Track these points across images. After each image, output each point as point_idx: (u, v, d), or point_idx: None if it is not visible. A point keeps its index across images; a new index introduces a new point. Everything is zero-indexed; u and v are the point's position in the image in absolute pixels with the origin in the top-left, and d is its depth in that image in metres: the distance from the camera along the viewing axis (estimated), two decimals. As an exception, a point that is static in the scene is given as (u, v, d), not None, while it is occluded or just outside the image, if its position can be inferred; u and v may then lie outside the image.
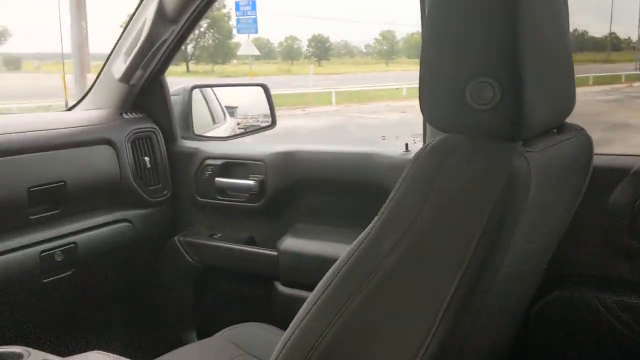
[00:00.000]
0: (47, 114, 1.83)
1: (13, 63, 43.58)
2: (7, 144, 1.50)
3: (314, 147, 1.74)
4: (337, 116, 16.40)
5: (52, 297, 1.63)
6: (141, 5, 1.71)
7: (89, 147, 1.70)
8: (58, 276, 1.60)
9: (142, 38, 1.69)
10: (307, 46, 66.37)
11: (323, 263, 1.49)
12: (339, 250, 1.44)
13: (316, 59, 62.08)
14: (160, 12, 1.66)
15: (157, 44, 1.72)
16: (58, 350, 1.94)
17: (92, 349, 1.95)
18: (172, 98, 1.98)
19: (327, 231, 1.67)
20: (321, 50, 65.23)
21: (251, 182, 1.74)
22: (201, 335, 1.92)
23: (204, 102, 2.42)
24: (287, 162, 1.73)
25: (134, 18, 1.74)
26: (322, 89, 21.70)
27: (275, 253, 1.69)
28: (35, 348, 1.83)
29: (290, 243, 1.69)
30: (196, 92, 2.16)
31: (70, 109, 1.97)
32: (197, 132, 2.06)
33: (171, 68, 1.94)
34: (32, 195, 1.52)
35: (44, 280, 1.57)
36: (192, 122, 2.04)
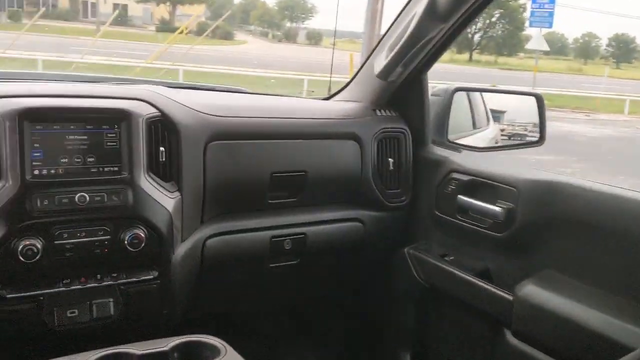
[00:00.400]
0: (305, 101, 1.85)
1: (314, 38, 48.24)
2: (262, 128, 1.54)
3: (583, 182, 1.42)
4: (627, 127, 14.42)
5: (275, 282, 1.66)
6: (412, 1, 1.58)
7: (336, 140, 1.66)
8: (284, 263, 1.62)
9: (407, 34, 1.57)
10: (607, 45, 59.79)
11: (568, 325, 1.20)
12: (591, 316, 1.13)
13: (614, 60, 55.58)
14: (430, 9, 1.51)
15: (422, 41, 1.59)
16: (265, 334, 2.02)
17: (302, 341, 1.98)
18: (431, 99, 1.84)
19: (579, 288, 1.36)
20: (623, 51, 58.10)
21: (497, 209, 1.51)
22: (414, 358, 1.78)
23: (466, 103, 2.22)
24: (547, 193, 1.45)
25: (402, 13, 1.62)
26: (614, 95, 19.29)
27: (511, 297, 1.44)
28: (245, 329, 1.91)
29: (532, 291, 1.42)
30: (460, 94, 1.97)
31: (328, 98, 1.97)
32: (451, 137, 1.89)
33: (452, 56, 1.78)
34: (274, 180, 1.54)
35: (271, 265, 1.60)
36: (447, 127, 1.87)
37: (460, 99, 2.04)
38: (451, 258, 1.68)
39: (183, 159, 1.38)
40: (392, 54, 1.63)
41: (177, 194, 1.37)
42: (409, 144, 1.77)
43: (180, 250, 1.39)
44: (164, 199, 1.33)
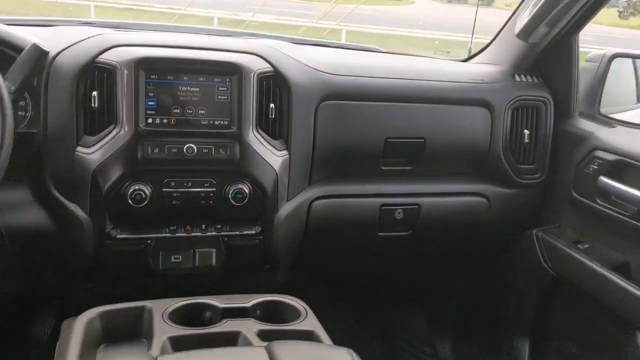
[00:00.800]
0: (439, 63, 1.71)
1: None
2: (379, 89, 1.45)
3: None
4: None
5: (384, 251, 1.59)
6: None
7: (463, 106, 1.52)
8: (394, 233, 1.54)
9: (554, -12, 1.37)
10: None
11: None
12: None
13: None
14: None
15: None
16: (367, 302, 1.97)
17: (406, 314, 1.90)
18: (582, 65, 1.61)
19: None
20: None
21: None
22: (532, 350, 1.63)
23: (631, 72, 1.92)
24: None
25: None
26: None
27: None
28: (345, 295, 1.88)
29: None
30: (620, 61, 1.71)
31: (466, 60, 1.81)
32: (603, 111, 1.65)
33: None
34: (388, 146, 1.46)
35: (380, 233, 1.53)
36: (600, 98, 1.63)
37: (619, 67, 1.76)
38: (585, 246, 1.48)
39: (293, 117, 1.35)
40: (535, 9, 1.44)
41: (285, 152, 1.35)
42: (550, 115, 1.58)
43: (285, 209, 1.38)
44: (271, 156, 1.32)
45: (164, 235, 1.30)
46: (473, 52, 1.87)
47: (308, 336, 0.96)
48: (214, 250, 1.34)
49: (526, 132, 1.55)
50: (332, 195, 1.46)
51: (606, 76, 1.63)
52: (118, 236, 1.27)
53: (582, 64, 1.61)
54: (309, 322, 1.01)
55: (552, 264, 1.53)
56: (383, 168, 1.48)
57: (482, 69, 1.62)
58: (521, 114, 1.55)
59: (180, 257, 1.32)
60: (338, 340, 0.97)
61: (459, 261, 1.76)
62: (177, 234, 1.31)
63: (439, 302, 1.92)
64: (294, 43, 1.58)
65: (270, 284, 1.44)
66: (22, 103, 1.23)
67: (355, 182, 1.48)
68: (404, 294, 1.97)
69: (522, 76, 1.59)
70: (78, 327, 0.94)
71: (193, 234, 1.32)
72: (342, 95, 1.41)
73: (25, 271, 1.38)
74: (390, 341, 1.95)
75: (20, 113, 1.23)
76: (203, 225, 1.33)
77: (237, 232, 1.35)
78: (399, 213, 1.51)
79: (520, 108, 1.55)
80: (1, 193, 1.20)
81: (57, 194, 1.25)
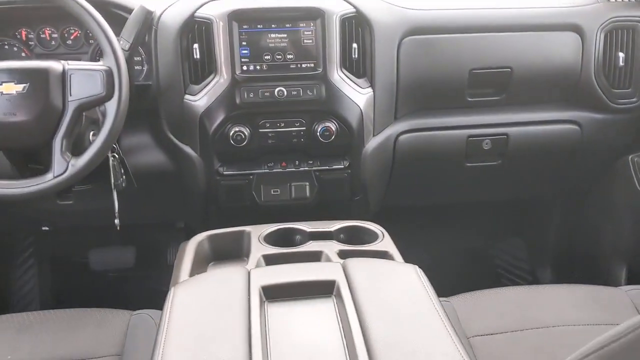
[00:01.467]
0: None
1: None
2: (461, 20, 1.47)
3: None
4: None
5: (472, 180, 1.64)
6: None
7: (551, 32, 1.50)
8: (482, 163, 1.58)
9: None
10: None
11: None
12: None
13: None
14: None
15: None
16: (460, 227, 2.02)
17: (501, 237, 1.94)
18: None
19: None
20: None
21: None
22: (631, 275, 1.63)
23: None
24: None
25: None
26: None
27: None
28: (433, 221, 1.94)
29: None
30: None
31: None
32: None
33: None
34: (473, 77, 1.48)
35: (467, 164, 1.58)
36: None
37: None
38: None
39: (376, 55, 1.42)
40: None
41: (369, 90, 1.43)
42: None
43: (372, 143, 1.47)
44: (355, 95, 1.41)
45: (263, 171, 1.46)
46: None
47: (382, 255, 1.07)
48: (307, 183, 1.48)
49: (621, 54, 1.50)
50: (418, 129, 1.52)
51: None
52: (225, 172, 1.45)
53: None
54: (385, 243, 1.12)
55: None
56: (469, 99, 1.52)
57: None
58: (615, 36, 1.50)
59: (278, 190, 1.47)
60: (414, 261, 1.07)
61: (552, 190, 1.76)
62: (275, 170, 1.47)
63: (536, 230, 1.94)
64: None
65: (361, 214, 1.56)
66: (137, 58, 1.42)
67: (440, 115, 1.53)
68: (501, 223, 2.01)
69: None
70: (190, 248, 1.13)
71: (288, 169, 1.47)
72: (424, 30, 1.45)
73: (154, 203, 1.62)
74: (488, 268, 2.01)
75: (137, 67, 1.43)
76: (296, 162, 1.47)
77: (327, 167, 1.47)
78: (486, 143, 1.55)
79: (614, 30, 1.49)
80: (126, 138, 1.42)
81: (172, 137, 1.44)
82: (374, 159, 1.49)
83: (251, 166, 1.46)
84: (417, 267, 0.98)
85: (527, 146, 1.57)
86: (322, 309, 0.86)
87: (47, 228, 1.68)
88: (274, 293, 0.88)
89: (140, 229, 1.84)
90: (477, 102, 1.53)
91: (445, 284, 1.19)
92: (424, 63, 1.46)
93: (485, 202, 1.84)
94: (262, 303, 0.86)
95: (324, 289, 0.90)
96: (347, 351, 0.76)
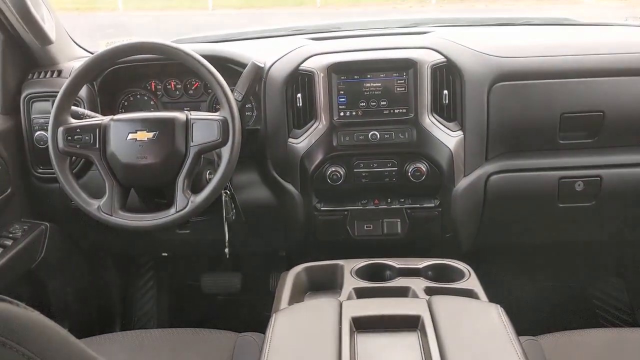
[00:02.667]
0: (618, 32, 1.67)
1: None
2: (550, 67, 1.51)
3: None
4: None
5: (565, 221, 1.65)
6: None
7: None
8: (576, 204, 1.59)
9: None
10: None
11: None
12: None
13: None
14: None
15: None
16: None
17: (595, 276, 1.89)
18: None
19: None
20: None
21: None
22: None
23: None
24: None
25: None
26: None
27: None
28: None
29: None
30: None
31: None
32: None
33: None
34: (565, 120, 1.52)
35: (561, 205, 1.60)
36: None
37: None
38: None
39: (466, 101, 1.50)
40: None
41: (459, 132, 1.51)
42: None
43: (462, 183, 1.54)
44: (445, 137, 1.50)
45: (357, 207, 1.58)
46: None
47: (467, 294, 1.14)
48: (398, 220, 1.57)
49: None
50: (509, 170, 1.57)
51: None
52: (322, 208, 1.58)
53: None
54: (470, 282, 1.18)
55: None
56: (561, 142, 1.55)
57: None
58: None
59: (371, 225, 1.58)
60: (501, 300, 1.11)
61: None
62: (368, 207, 1.57)
63: (637, 270, 1.89)
64: (463, 26, 1.69)
65: (453, 252, 1.62)
66: (248, 105, 1.60)
67: (532, 157, 1.57)
68: (599, 262, 1.98)
69: None
70: (289, 278, 1.25)
71: (380, 206, 1.57)
72: (514, 76, 1.51)
73: (259, 234, 1.78)
74: (585, 307, 1.98)
75: (248, 114, 1.61)
76: (389, 199, 1.57)
77: (418, 205, 1.56)
78: (579, 185, 1.56)
79: None
80: (237, 177, 1.59)
81: (276, 175, 1.59)
82: (464, 198, 1.55)
83: (346, 203, 1.58)
84: (499, 306, 1.03)
85: (622, 188, 1.56)
86: (406, 342, 0.95)
87: (166, 254, 1.89)
88: (364, 324, 0.98)
89: (246, 257, 2.02)
90: (569, 145, 1.55)
91: (540, 322, 1.21)
92: (515, 107, 1.52)
93: (582, 242, 1.83)
94: (352, 333, 0.96)
95: (409, 324, 0.98)
96: None
